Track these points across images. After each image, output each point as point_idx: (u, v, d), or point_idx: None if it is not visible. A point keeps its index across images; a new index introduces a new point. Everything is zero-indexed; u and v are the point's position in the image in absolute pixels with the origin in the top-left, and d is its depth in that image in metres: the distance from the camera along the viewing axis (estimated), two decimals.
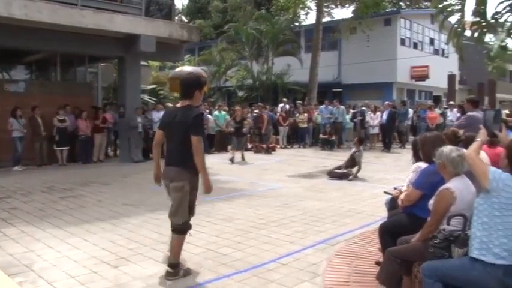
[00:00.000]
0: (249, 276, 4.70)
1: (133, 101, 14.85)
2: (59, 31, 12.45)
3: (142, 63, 17.47)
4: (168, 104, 17.26)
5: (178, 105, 4.64)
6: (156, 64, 25.14)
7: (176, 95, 21.98)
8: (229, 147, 15.78)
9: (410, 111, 20.14)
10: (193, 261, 5.12)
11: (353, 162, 11.27)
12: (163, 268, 4.87)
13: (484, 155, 4.78)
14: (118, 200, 8.55)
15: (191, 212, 4.73)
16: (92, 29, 12.68)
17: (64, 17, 12.00)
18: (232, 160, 14.00)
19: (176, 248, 4.63)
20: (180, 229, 4.63)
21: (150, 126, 15.15)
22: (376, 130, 18.71)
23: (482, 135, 3.47)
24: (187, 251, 5.49)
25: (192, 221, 6.87)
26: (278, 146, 18.74)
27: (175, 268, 4.60)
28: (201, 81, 4.56)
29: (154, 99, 20.92)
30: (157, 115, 15.28)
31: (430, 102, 26.06)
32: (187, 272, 4.70)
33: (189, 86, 4.52)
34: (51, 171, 12.39)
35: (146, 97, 20.37)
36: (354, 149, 11.55)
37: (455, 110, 17.48)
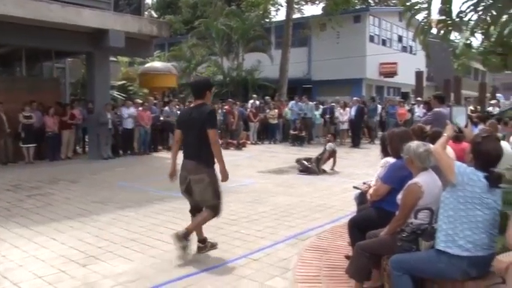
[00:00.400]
0: (220, 272, 4.69)
1: (103, 97, 14.59)
2: (24, 25, 12.12)
3: (111, 58, 17.19)
4: (138, 100, 17.00)
5: (192, 105, 5.23)
6: (126, 60, 24.78)
7: (146, 90, 21.79)
8: None
9: (379, 107, 20.44)
10: (164, 259, 5.08)
11: (327, 155, 11.45)
12: (133, 266, 4.83)
13: (450, 150, 4.85)
14: (87, 197, 8.41)
15: (218, 197, 5.11)
16: (59, 23, 12.38)
17: (31, 10, 11.68)
18: None
19: (200, 222, 5.16)
20: (213, 207, 5.09)
21: (120, 123, 14.91)
22: (346, 126, 18.93)
23: (448, 130, 3.55)
24: (158, 248, 5.46)
25: (163, 218, 6.86)
26: (248, 142, 18.73)
27: (187, 237, 5.06)
28: (210, 83, 5.33)
29: (124, 95, 20.60)
30: (127, 111, 15.05)
31: (398, 98, 26.48)
32: (214, 246, 5.36)
33: (201, 87, 5.13)
34: (17, 169, 12.09)
35: (115, 93, 20.06)
36: (330, 144, 11.75)
37: (422, 106, 17.85)
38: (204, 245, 5.36)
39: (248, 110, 19.59)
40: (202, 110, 4.92)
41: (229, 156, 15.06)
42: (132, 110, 15.19)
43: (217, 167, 4.98)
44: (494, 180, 3.12)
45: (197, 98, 5.08)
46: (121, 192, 8.83)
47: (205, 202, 5.06)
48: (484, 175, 3.12)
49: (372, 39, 28.77)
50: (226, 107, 18.46)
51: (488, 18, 3.62)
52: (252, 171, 11.68)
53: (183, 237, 4.98)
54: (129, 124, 14.96)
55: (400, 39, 32.03)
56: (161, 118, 16.35)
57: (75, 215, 7.09)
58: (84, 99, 15.74)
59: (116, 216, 6.96)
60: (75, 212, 7.25)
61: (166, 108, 16.70)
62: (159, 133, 16.60)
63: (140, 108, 15.47)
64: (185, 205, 7.66)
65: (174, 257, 5.12)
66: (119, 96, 20.00)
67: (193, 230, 5.13)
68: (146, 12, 27.57)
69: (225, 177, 5.01)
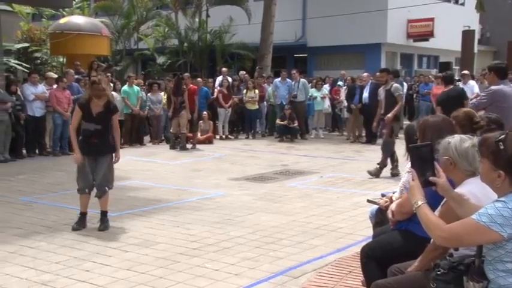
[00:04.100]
0: None
1: None
2: None
3: (3, 7, 16.65)
4: (51, 73, 16.69)
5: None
6: (27, 10, 24.31)
7: (61, 59, 21.21)
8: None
9: (405, 85, 20.57)
10: None
11: None
12: None
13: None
14: None
15: None
16: None
17: None
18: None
19: None
20: None
21: (22, 108, 14.47)
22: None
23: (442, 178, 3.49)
24: None
25: (90, 248, 6.82)
26: (217, 137, 18.69)
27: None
28: None
29: (27, 65, 20.18)
30: (33, 90, 14.66)
31: (435, 71, 26.59)
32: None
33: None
34: None
35: (12, 62, 19.54)
36: None
37: (471, 82, 17.88)
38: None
39: (216, 90, 19.52)
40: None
41: (189, 156, 15.05)
42: (41, 89, 14.93)
43: None
44: None
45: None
46: (24, 211, 8.68)
47: None
48: None
49: None
50: (187, 86, 17.78)
51: None
52: (221, 178, 11.67)
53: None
54: (37, 110, 14.67)
55: None
56: None
57: None
58: None
59: (17, 249, 6.83)
60: None
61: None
62: None
63: (55, 86, 15.23)
64: (122, 228, 7.64)
65: None
66: (18, 67, 19.52)
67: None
68: None
69: None
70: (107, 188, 7.74)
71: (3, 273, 5.99)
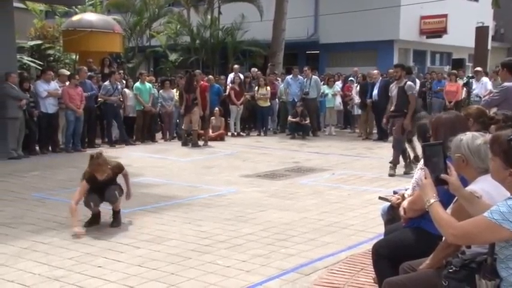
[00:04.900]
0: None
1: (4, 64, 14.14)
2: None
3: (16, 4, 16.72)
4: (63, 70, 16.75)
5: None
6: (40, 8, 24.39)
7: (74, 56, 21.27)
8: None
9: (418, 82, 20.46)
10: None
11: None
12: None
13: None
14: None
15: None
16: None
17: None
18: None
19: None
20: None
21: (35, 105, 14.57)
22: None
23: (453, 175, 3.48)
24: None
25: (102, 243, 6.85)
26: (228, 134, 18.71)
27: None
28: None
29: (40, 62, 20.20)
30: (46, 87, 14.70)
31: (447, 68, 26.45)
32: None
33: None
34: None
35: (26, 59, 19.58)
36: None
37: (484, 79, 17.73)
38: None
39: (228, 87, 19.52)
40: None
41: (200, 153, 15.07)
42: (54, 86, 14.97)
43: None
44: None
45: None
46: (37, 207, 8.74)
47: None
48: None
49: None
50: (199, 82, 17.75)
51: None
52: (233, 175, 11.69)
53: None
54: (50, 106, 14.73)
55: None
56: (99, 98, 16.16)
57: None
58: None
59: (30, 244, 6.87)
60: None
61: (107, 83, 16.48)
62: (97, 120, 16.44)
63: (67, 83, 15.27)
64: (134, 225, 7.67)
65: None
66: (31, 64, 19.57)
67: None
68: None
69: None
70: (117, 194, 7.65)
71: (16, 269, 6.03)
